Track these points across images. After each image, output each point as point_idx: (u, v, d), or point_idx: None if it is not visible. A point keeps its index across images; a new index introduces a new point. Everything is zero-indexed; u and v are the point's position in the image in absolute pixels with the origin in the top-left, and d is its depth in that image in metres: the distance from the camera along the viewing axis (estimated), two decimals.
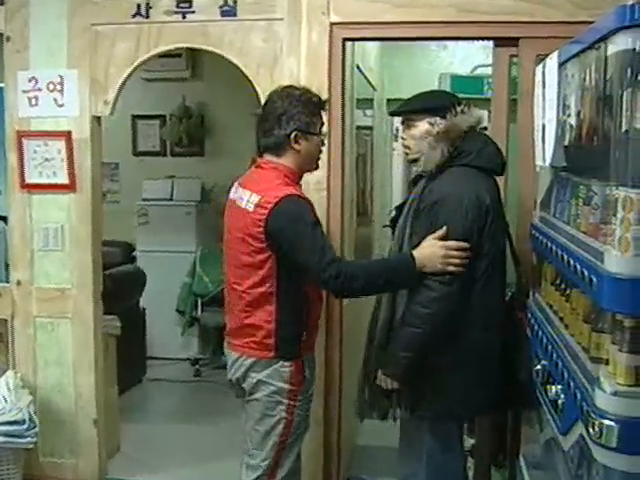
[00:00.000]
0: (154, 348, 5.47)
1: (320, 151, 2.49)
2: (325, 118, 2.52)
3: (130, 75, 3.25)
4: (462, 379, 2.34)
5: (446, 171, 2.35)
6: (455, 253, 2.24)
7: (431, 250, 2.26)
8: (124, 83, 3.25)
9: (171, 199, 5.82)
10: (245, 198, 2.35)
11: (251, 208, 2.31)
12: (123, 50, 3.19)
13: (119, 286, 4.36)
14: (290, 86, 2.49)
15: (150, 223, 5.71)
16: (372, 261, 2.38)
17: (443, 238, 2.26)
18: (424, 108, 2.44)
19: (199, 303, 5.53)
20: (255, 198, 2.31)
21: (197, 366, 5.41)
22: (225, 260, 2.51)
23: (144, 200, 5.78)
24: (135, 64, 3.20)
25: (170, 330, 5.61)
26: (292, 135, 2.35)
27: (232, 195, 2.47)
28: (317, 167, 2.53)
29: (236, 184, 2.49)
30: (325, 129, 2.50)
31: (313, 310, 2.47)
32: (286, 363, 2.37)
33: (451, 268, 2.24)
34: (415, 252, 2.29)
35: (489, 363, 2.36)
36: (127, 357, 4.13)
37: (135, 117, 6.10)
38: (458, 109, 2.39)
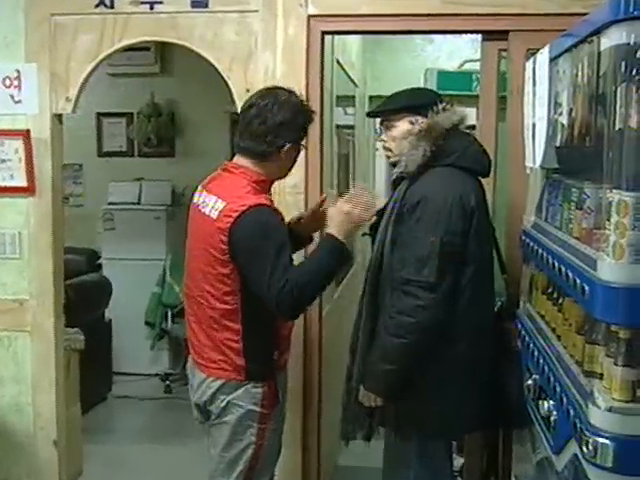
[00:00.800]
0: (121, 363, 5.42)
1: (296, 160, 2.48)
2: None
3: (94, 70, 3.21)
4: (451, 394, 2.33)
5: (428, 171, 2.36)
6: (357, 200, 2.32)
7: (338, 216, 2.32)
8: (87, 78, 3.21)
9: (139, 203, 5.78)
10: (210, 204, 2.31)
11: (215, 215, 2.26)
12: (86, 43, 3.15)
13: (83, 297, 4.31)
14: (284, 89, 2.43)
15: (116, 229, 5.65)
16: (307, 261, 2.35)
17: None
18: (404, 107, 2.46)
19: (169, 314, 5.47)
20: (220, 205, 2.26)
21: (167, 382, 5.36)
22: (187, 270, 2.46)
23: (110, 204, 5.73)
24: (99, 58, 3.17)
25: (138, 343, 5.56)
26: (285, 147, 2.33)
27: (196, 199, 2.42)
28: (286, 175, 2.52)
29: (200, 187, 2.44)
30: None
31: (284, 326, 2.44)
32: (258, 384, 2.34)
33: (362, 215, 2.33)
34: (329, 229, 2.33)
35: (479, 377, 2.36)
36: (91, 373, 4.10)
37: (100, 115, 6.05)
38: (440, 107, 2.41)
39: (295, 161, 2.46)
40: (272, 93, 2.39)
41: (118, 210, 5.68)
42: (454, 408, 2.34)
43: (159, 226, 5.67)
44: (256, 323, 2.31)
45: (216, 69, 3.11)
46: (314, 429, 3.20)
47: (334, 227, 2.32)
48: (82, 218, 5.79)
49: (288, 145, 2.33)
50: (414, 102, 2.46)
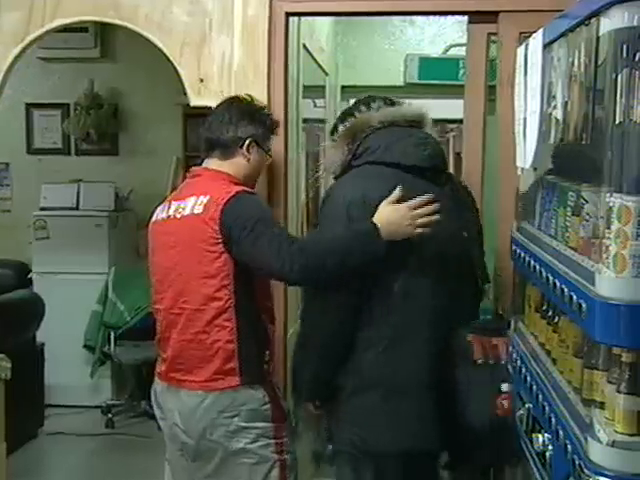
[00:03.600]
0: (55, 394, 5.37)
1: (261, 171, 2.79)
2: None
3: (21, 54, 3.19)
4: (365, 405, 2.41)
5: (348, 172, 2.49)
6: (420, 211, 2.34)
7: (395, 213, 2.33)
8: (14, 63, 3.19)
9: (77, 208, 5.76)
10: (189, 205, 2.52)
11: (200, 210, 2.48)
12: (11, 22, 3.13)
13: (9, 317, 4.30)
14: (247, 96, 2.77)
15: (50, 238, 5.63)
16: (328, 238, 2.44)
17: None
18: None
19: (112, 336, 5.44)
20: (203, 199, 2.49)
21: (109, 415, 5.33)
22: (160, 286, 2.62)
23: (42, 209, 5.71)
24: (27, 41, 3.15)
25: (75, 371, 5.52)
26: (246, 141, 2.62)
27: (164, 214, 2.62)
28: (254, 186, 2.75)
29: (166, 203, 2.64)
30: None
31: (270, 325, 2.64)
32: (259, 394, 2.50)
33: (419, 230, 2.33)
34: (377, 219, 2.34)
35: (401, 389, 2.41)
36: (19, 406, 4.03)
37: (30, 106, 6.03)
38: (374, 105, 2.53)
39: (259, 172, 2.73)
40: (232, 97, 2.77)
41: (52, 216, 5.65)
42: (370, 421, 2.41)
43: (100, 235, 5.64)
44: (249, 320, 2.51)
45: (165, 55, 3.10)
46: None
47: (383, 216, 2.34)
48: (9, 226, 5.75)
49: (249, 140, 2.61)
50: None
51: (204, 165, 2.67)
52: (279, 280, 2.62)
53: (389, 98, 2.60)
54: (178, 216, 2.55)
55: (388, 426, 2.41)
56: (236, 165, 2.63)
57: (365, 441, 2.42)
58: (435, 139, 2.56)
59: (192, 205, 2.52)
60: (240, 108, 2.67)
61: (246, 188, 2.57)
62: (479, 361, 2.42)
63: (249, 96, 2.76)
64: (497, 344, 2.45)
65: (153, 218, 2.68)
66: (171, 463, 2.69)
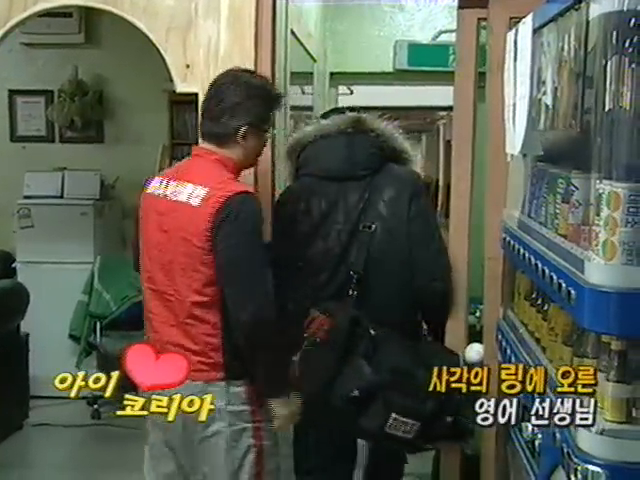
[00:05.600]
0: (39, 385, 5.30)
1: (264, 147, 2.68)
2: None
3: (3, 38, 3.17)
4: None
5: None
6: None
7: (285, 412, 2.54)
8: None
9: (61, 197, 5.71)
10: (186, 192, 2.46)
11: (197, 202, 2.42)
12: None
13: None
14: (247, 71, 2.69)
15: (35, 227, 5.58)
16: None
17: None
18: None
19: (98, 326, 5.42)
20: (201, 191, 2.43)
21: (95, 406, 5.27)
22: (150, 265, 2.57)
23: (26, 198, 5.65)
24: (8, 25, 3.13)
25: (61, 361, 5.39)
26: (242, 129, 2.51)
27: (158, 191, 2.55)
28: (256, 163, 2.75)
29: (161, 178, 2.58)
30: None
31: None
32: (238, 382, 2.47)
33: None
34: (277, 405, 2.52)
35: None
36: (3, 397, 4.04)
37: (13, 93, 5.95)
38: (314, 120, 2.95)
39: (260, 150, 2.64)
40: (232, 73, 2.61)
41: (36, 205, 5.59)
42: None
43: (85, 224, 5.60)
44: None
45: (150, 40, 3.09)
46: None
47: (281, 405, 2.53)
48: None
49: (245, 129, 2.51)
50: None
51: (204, 145, 2.58)
52: (234, 309, 2.44)
53: (339, 109, 3.03)
54: (173, 199, 2.49)
55: None
56: (233, 151, 2.54)
57: None
58: (366, 141, 2.86)
59: (189, 193, 2.46)
60: (237, 91, 2.52)
61: (248, 189, 2.51)
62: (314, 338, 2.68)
63: (245, 72, 2.66)
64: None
65: (149, 189, 2.58)
66: (152, 449, 2.67)
